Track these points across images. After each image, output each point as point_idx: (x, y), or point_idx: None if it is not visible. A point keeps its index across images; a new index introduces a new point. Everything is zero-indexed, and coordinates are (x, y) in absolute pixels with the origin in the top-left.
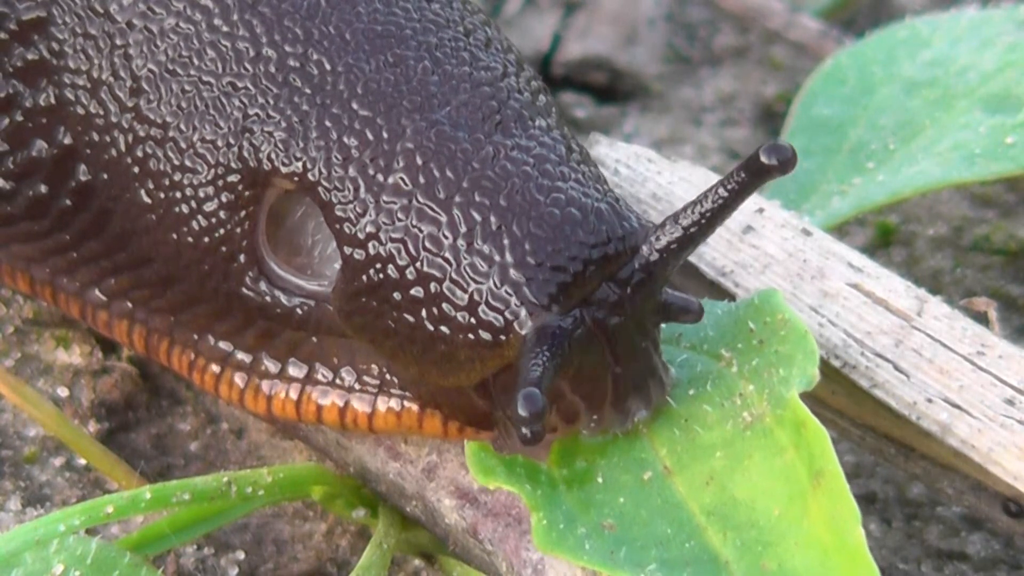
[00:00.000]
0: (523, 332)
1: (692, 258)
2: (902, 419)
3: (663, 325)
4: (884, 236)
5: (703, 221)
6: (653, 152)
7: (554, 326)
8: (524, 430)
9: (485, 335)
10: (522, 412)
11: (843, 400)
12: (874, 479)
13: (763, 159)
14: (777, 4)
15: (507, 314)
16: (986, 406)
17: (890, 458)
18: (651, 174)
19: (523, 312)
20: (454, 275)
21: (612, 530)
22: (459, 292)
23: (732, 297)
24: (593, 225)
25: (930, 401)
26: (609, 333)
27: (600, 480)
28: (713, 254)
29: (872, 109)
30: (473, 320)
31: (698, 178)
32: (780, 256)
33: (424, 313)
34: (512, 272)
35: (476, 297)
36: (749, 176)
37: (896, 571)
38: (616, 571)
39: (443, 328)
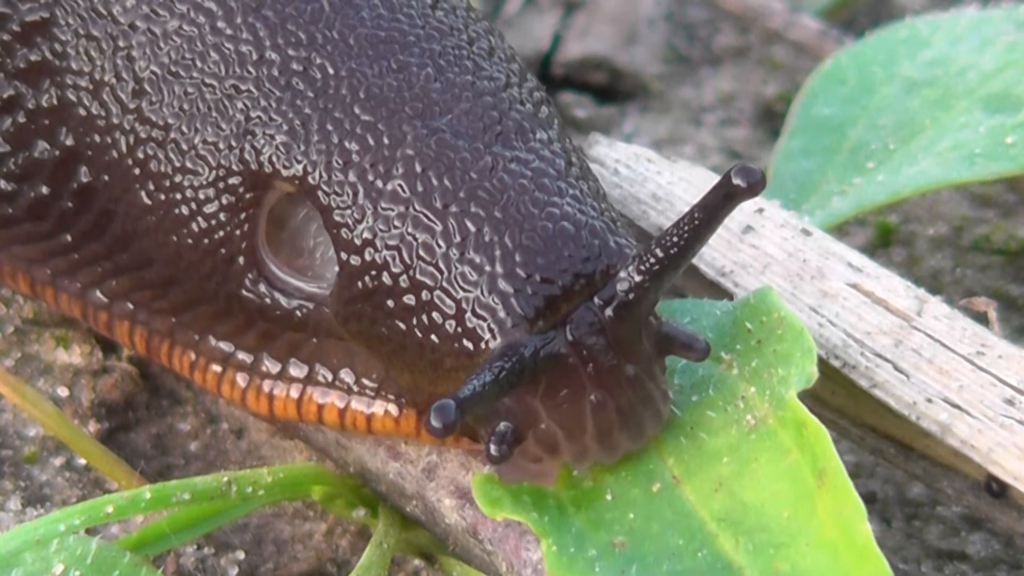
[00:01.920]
0: (501, 343)
1: None
2: (902, 419)
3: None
4: (884, 236)
5: (683, 243)
6: (653, 152)
7: (521, 343)
8: (493, 447)
9: (468, 344)
10: (433, 423)
11: (843, 400)
12: (874, 479)
13: (733, 180)
14: (777, 4)
15: (491, 324)
16: (986, 406)
17: (890, 458)
18: (651, 174)
19: (509, 323)
20: (444, 283)
21: (623, 548)
22: (448, 300)
23: (731, 297)
24: (585, 240)
25: (930, 401)
26: (585, 355)
27: (609, 497)
28: (713, 254)
29: (872, 109)
30: (459, 329)
31: (698, 178)
32: (780, 256)
33: (414, 321)
34: (501, 283)
35: (464, 306)
36: (721, 198)
37: (896, 571)
38: None
39: (432, 337)
